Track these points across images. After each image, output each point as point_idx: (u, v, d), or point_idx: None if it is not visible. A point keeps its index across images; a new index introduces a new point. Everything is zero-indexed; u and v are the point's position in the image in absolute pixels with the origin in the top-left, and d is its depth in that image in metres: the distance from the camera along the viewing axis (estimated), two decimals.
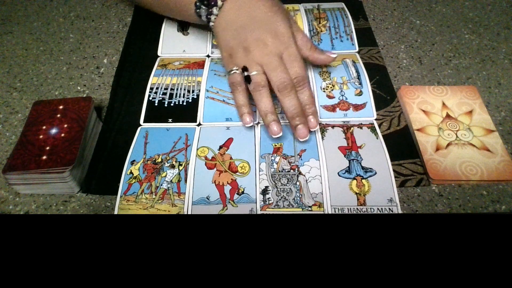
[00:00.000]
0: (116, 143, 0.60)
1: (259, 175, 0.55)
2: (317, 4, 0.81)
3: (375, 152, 0.57)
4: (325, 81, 0.67)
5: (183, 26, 0.77)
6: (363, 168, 0.55)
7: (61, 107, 0.58)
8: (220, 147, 0.58)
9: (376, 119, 0.62)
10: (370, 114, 0.62)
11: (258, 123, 0.61)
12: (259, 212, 0.51)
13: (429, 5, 0.86)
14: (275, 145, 0.58)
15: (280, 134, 0.56)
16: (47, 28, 0.81)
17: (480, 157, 0.56)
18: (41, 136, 0.54)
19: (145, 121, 0.62)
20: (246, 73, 0.57)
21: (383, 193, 0.53)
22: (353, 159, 0.56)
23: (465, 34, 0.79)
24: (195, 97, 0.65)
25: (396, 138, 0.60)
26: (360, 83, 0.66)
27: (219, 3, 0.60)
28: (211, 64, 0.70)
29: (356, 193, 0.53)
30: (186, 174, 0.55)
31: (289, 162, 0.56)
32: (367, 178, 0.54)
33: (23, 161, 0.51)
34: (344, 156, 0.57)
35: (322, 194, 0.53)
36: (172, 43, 0.74)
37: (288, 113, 0.56)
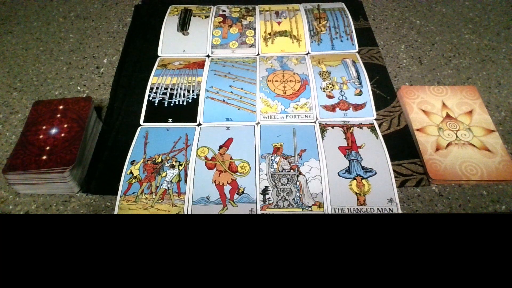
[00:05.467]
0: (116, 143, 0.60)
1: (259, 175, 0.55)
2: (317, 4, 0.81)
3: (375, 152, 0.57)
4: (325, 81, 0.67)
5: (183, 26, 0.77)
6: (363, 168, 0.55)
7: (61, 107, 0.58)
8: (220, 147, 0.58)
9: (376, 119, 0.62)
10: (370, 114, 0.62)
11: (258, 123, 0.61)
12: (259, 212, 0.51)
13: (429, 5, 0.86)
14: (275, 145, 0.58)
15: None
16: (47, 28, 0.81)
17: (480, 157, 0.56)
18: (41, 136, 0.54)
19: (145, 121, 0.62)
20: None
21: (383, 193, 0.53)
22: (353, 159, 0.56)
23: (465, 34, 0.79)
24: (195, 97, 0.65)
25: (396, 138, 0.60)
26: (360, 83, 0.66)
27: None
28: (211, 64, 0.70)
29: (356, 193, 0.53)
30: (186, 174, 0.55)
31: (289, 162, 0.56)
32: (367, 178, 0.54)
33: (23, 161, 0.51)
34: (344, 156, 0.57)
35: (322, 194, 0.53)
36: (172, 43, 0.74)
37: None
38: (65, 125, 0.56)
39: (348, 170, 0.55)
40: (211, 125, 0.61)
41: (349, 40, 0.74)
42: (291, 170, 0.55)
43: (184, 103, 0.64)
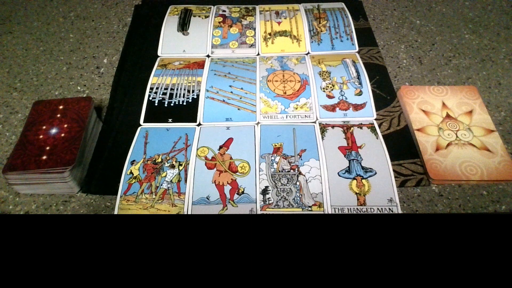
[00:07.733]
0: (116, 143, 0.60)
1: (259, 175, 0.55)
2: (317, 4, 0.81)
3: (375, 152, 0.57)
4: (325, 81, 0.67)
5: (183, 26, 0.77)
6: (363, 168, 0.55)
7: (61, 107, 0.58)
8: (220, 147, 0.58)
9: (376, 119, 0.62)
10: (370, 114, 0.62)
11: (258, 123, 0.61)
12: (259, 212, 0.51)
13: (429, 5, 0.86)
14: (275, 145, 0.58)
15: None
16: (47, 28, 0.81)
17: (480, 157, 0.56)
18: (41, 136, 0.54)
19: (145, 121, 0.62)
20: None
21: (383, 193, 0.53)
22: (353, 159, 0.56)
23: (465, 34, 0.79)
24: (195, 97, 0.65)
25: (396, 138, 0.60)
26: (360, 83, 0.66)
27: None
28: (211, 64, 0.70)
29: (356, 193, 0.53)
30: (186, 174, 0.55)
31: (289, 162, 0.56)
32: (367, 178, 0.54)
33: (23, 161, 0.51)
34: (344, 156, 0.57)
35: (322, 194, 0.53)
36: (172, 43, 0.74)
37: None
38: (65, 125, 0.56)
39: (348, 170, 0.55)
40: (211, 125, 0.61)
41: (349, 40, 0.75)
42: (291, 170, 0.55)
43: (184, 103, 0.64)
